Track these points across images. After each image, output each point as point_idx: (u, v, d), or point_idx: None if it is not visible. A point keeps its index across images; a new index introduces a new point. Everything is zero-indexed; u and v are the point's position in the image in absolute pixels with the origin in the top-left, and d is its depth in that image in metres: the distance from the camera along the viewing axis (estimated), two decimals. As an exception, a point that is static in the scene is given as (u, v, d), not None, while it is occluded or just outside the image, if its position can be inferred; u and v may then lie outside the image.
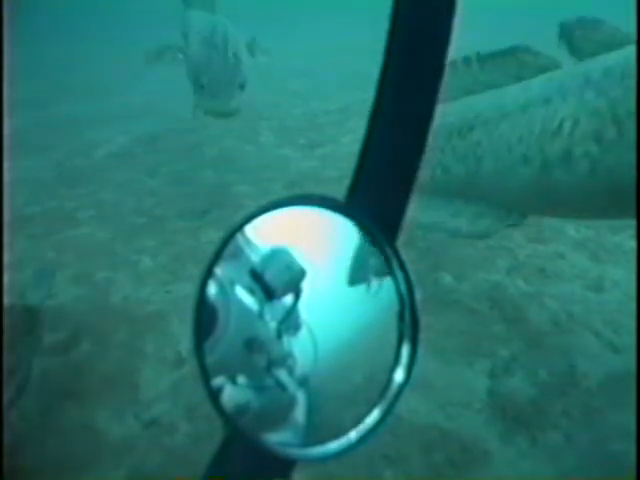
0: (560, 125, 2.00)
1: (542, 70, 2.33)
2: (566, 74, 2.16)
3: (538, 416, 2.16)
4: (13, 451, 1.91)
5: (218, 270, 0.52)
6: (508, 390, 2.29)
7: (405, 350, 0.57)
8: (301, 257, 0.55)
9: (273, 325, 0.56)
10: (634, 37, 2.19)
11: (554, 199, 2.16)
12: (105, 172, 4.86)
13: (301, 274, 0.56)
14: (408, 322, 0.57)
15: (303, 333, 0.56)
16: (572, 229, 3.52)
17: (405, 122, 0.59)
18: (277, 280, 0.55)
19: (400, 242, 0.59)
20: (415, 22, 0.57)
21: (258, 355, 0.55)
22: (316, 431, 0.56)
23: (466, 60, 2.54)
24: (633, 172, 1.84)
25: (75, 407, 2.23)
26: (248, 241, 0.54)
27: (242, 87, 3.71)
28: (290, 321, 0.56)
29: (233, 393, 0.53)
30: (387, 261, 0.58)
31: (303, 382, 0.56)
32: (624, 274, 2.98)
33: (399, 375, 0.57)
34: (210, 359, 0.51)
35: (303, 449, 0.54)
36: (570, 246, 3.32)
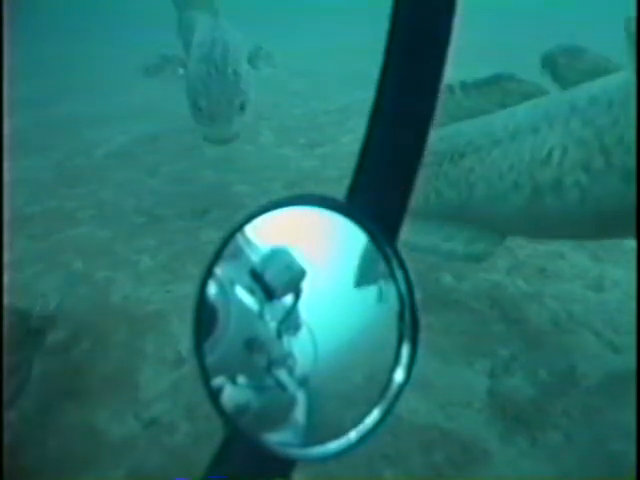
0: (549, 154, 2.04)
1: (526, 97, 2.38)
2: (552, 101, 2.20)
3: (538, 416, 2.16)
4: (13, 451, 1.91)
5: (218, 270, 0.52)
6: (508, 390, 2.30)
7: (405, 350, 0.57)
8: (301, 257, 0.55)
9: (273, 325, 0.56)
10: (617, 66, 2.23)
11: (545, 224, 2.20)
12: (105, 172, 4.85)
13: (301, 274, 0.56)
14: (408, 322, 0.57)
15: (303, 333, 0.56)
16: (572, 229, 3.51)
17: (405, 122, 0.59)
18: (277, 280, 0.55)
19: (400, 242, 0.59)
20: (415, 22, 0.57)
21: (258, 355, 0.55)
22: (316, 431, 0.56)
23: (450, 88, 2.59)
24: (622, 202, 1.87)
25: (75, 407, 2.23)
26: (248, 241, 0.54)
27: (242, 108, 3.60)
28: (290, 321, 0.56)
29: (233, 393, 0.53)
30: (387, 261, 0.58)
31: (303, 382, 0.56)
32: (624, 274, 2.98)
33: (399, 375, 0.57)
34: (210, 359, 0.51)
35: (303, 449, 0.54)
36: (570, 246, 3.32)
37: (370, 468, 1.93)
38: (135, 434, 2.13)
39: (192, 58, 3.90)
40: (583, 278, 3.00)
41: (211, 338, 0.52)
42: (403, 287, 0.57)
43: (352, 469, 1.83)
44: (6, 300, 2.23)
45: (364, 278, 0.59)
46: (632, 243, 3.31)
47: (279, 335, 0.56)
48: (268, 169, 4.72)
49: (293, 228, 0.56)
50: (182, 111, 3.83)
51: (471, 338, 2.58)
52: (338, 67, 9.10)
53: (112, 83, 8.04)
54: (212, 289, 0.52)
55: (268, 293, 0.55)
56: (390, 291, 0.58)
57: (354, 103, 6.54)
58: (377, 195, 0.59)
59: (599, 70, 2.24)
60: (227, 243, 0.52)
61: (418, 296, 0.58)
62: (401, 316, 0.57)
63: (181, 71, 4.09)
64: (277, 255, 0.55)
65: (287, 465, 0.54)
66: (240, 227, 0.53)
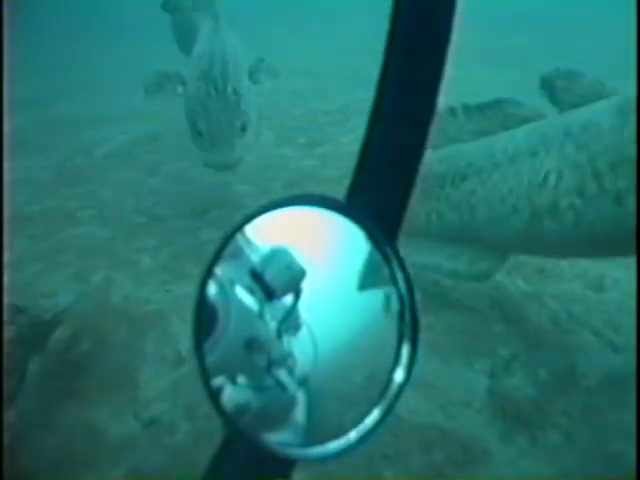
0: (545, 178, 2.11)
1: (526, 121, 2.45)
2: (548, 125, 2.26)
3: (538, 415, 2.17)
4: (13, 451, 1.91)
5: (218, 270, 0.52)
6: (508, 390, 2.30)
7: (405, 350, 0.57)
8: (301, 257, 0.55)
9: (273, 325, 0.56)
10: (611, 90, 2.32)
11: (544, 245, 2.28)
12: (105, 172, 4.85)
13: (301, 274, 0.56)
14: (408, 322, 0.57)
15: (303, 333, 0.56)
16: (572, 229, 3.52)
17: (405, 122, 0.59)
18: (277, 280, 0.55)
19: (400, 242, 0.59)
20: (415, 22, 0.57)
21: (258, 355, 0.55)
22: (316, 431, 0.56)
23: (452, 111, 2.67)
24: (615, 224, 1.95)
25: (75, 407, 2.23)
26: (248, 241, 0.54)
27: (244, 129, 3.43)
28: (290, 321, 0.56)
29: (233, 393, 0.53)
30: (387, 261, 0.58)
31: (303, 382, 0.56)
32: (624, 274, 2.98)
33: (399, 375, 0.57)
34: (210, 359, 0.51)
35: (303, 449, 0.54)
36: (570, 246, 3.31)
37: (370, 468, 1.93)
38: (135, 434, 2.13)
39: (191, 75, 3.74)
40: (583, 278, 3.00)
41: (211, 338, 0.52)
42: (403, 287, 0.57)
43: (352, 469, 1.83)
44: (6, 300, 2.23)
45: (367, 280, 0.59)
46: (632, 243, 3.31)
47: (279, 335, 0.56)
48: (268, 169, 4.72)
49: (293, 228, 0.56)
50: (182, 111, 3.82)
51: (471, 338, 2.58)
52: (338, 67, 9.09)
53: (112, 83, 8.03)
54: (212, 289, 0.52)
55: (268, 293, 0.55)
56: (390, 291, 0.58)
57: (354, 103, 6.54)
58: (377, 195, 0.59)
59: (594, 94, 2.33)
60: (227, 243, 0.52)
61: (418, 296, 0.58)
62: (401, 316, 0.57)
63: (180, 89, 3.94)
64: (277, 255, 0.55)
65: (287, 465, 0.54)
66: (240, 227, 0.53)
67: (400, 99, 0.58)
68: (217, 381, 0.52)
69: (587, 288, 2.94)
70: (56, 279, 3.15)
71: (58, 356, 2.48)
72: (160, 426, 2.17)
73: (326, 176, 4.49)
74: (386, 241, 0.58)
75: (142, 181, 4.64)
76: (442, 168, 2.57)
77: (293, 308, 0.56)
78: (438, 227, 2.60)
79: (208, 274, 0.51)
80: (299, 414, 0.56)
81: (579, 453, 2.00)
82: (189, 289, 2.91)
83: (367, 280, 0.59)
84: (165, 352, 2.55)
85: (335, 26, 13.79)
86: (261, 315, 0.55)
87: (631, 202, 1.89)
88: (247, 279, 0.54)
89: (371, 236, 0.57)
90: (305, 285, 0.56)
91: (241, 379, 0.54)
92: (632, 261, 2.65)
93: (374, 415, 0.56)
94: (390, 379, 0.57)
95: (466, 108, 2.64)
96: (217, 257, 0.52)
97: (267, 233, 0.54)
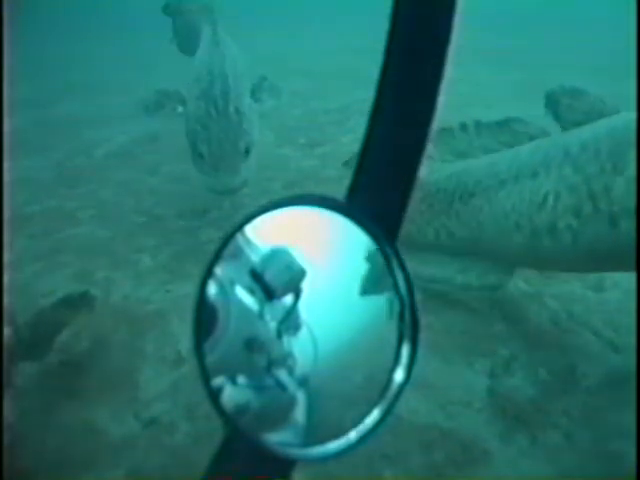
0: (545, 198, 2.19)
1: (532, 138, 2.55)
2: (550, 145, 2.33)
3: (538, 415, 2.17)
4: (13, 451, 1.91)
5: (218, 270, 0.52)
6: (508, 389, 2.30)
7: (405, 350, 0.57)
8: (301, 257, 0.55)
9: (273, 325, 0.56)
10: (611, 109, 2.39)
11: (545, 261, 2.38)
12: (105, 171, 4.85)
13: (301, 274, 0.56)
14: (408, 322, 0.57)
15: (303, 333, 0.56)
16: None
17: (405, 122, 0.59)
18: (277, 280, 0.55)
19: (399, 242, 0.59)
20: (415, 22, 0.57)
21: (258, 355, 0.55)
22: (316, 431, 0.56)
23: (463, 126, 2.80)
24: (611, 244, 2.01)
25: (75, 407, 2.23)
26: (248, 241, 0.54)
27: (247, 151, 3.25)
28: (290, 321, 0.56)
29: (233, 393, 0.53)
30: (387, 261, 0.58)
31: (303, 382, 0.56)
32: (624, 274, 2.98)
33: (399, 375, 0.57)
34: (210, 359, 0.51)
35: (303, 449, 0.54)
36: (570, 246, 3.31)
37: (370, 468, 1.93)
38: (135, 434, 2.13)
39: (190, 93, 3.62)
40: (583, 278, 2.99)
41: (211, 338, 0.52)
42: (403, 287, 0.57)
43: (352, 469, 1.83)
44: (6, 300, 2.23)
45: (368, 280, 0.59)
46: (632, 243, 3.31)
47: (279, 335, 0.56)
48: (268, 169, 4.72)
49: (293, 228, 0.56)
50: (182, 111, 3.82)
51: (471, 338, 2.58)
52: (338, 67, 9.09)
53: (112, 83, 8.04)
54: (212, 289, 0.52)
55: (268, 293, 0.55)
56: (390, 291, 0.58)
57: (354, 103, 6.53)
58: (377, 195, 0.59)
59: (596, 112, 2.41)
60: (227, 243, 0.52)
61: (418, 296, 0.58)
62: (401, 316, 0.57)
63: (180, 109, 3.80)
64: (277, 255, 0.55)
65: (287, 465, 0.54)
66: (240, 227, 0.53)
67: (400, 99, 0.58)
68: (217, 381, 0.52)
69: (587, 288, 2.94)
70: (56, 279, 3.15)
71: (58, 356, 2.48)
72: (160, 426, 2.17)
73: (326, 176, 4.49)
74: (386, 241, 0.58)
75: (142, 181, 4.63)
76: (450, 184, 2.65)
77: (293, 308, 0.56)
78: (448, 244, 2.67)
79: (208, 274, 0.51)
80: (299, 414, 0.56)
81: (579, 453, 2.00)
82: (189, 289, 2.90)
83: (367, 280, 0.59)
84: (165, 352, 2.55)
85: (335, 26, 13.79)
86: (261, 315, 0.55)
87: (626, 224, 1.94)
88: (247, 279, 0.54)
89: (371, 236, 0.57)
90: (305, 285, 0.56)
91: (241, 379, 0.54)
92: (632, 261, 2.64)
93: (374, 415, 0.56)
94: (390, 379, 0.57)
95: (477, 125, 2.76)
96: (217, 257, 0.52)
97: (267, 233, 0.54)
